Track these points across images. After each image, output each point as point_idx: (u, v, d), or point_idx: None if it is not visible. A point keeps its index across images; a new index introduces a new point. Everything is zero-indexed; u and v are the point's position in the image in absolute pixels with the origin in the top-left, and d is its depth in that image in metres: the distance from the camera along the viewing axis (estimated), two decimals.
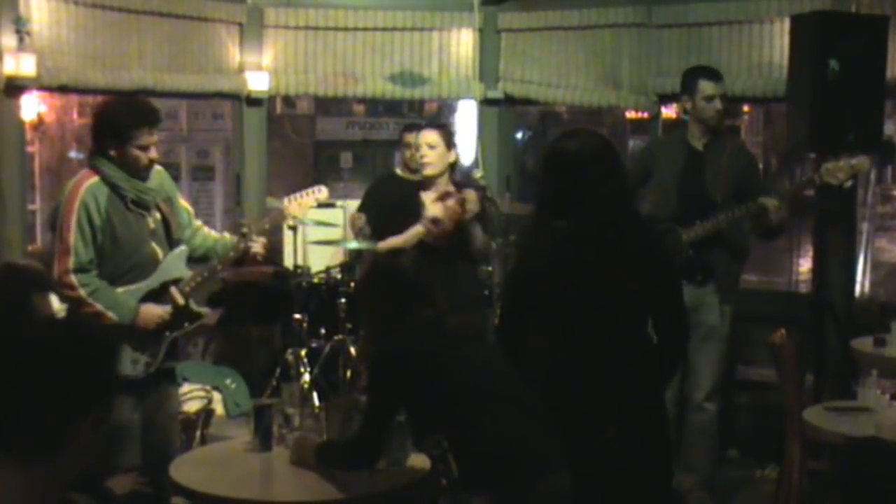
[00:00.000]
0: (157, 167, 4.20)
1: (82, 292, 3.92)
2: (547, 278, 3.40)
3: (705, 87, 5.24)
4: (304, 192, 4.50)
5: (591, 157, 3.38)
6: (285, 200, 4.47)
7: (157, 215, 4.16)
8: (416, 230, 5.26)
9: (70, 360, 1.78)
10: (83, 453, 1.81)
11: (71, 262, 3.92)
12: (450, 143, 5.30)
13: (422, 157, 5.22)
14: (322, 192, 4.51)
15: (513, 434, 3.17)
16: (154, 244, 4.13)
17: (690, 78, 5.36)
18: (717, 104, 5.23)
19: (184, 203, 4.38)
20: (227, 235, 4.45)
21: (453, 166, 5.38)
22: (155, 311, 4.06)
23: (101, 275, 4.00)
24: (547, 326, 3.45)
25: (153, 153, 4.06)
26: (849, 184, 4.94)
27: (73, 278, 3.92)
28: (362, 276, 3.91)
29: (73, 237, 3.92)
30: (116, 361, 1.90)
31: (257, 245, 4.30)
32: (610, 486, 3.30)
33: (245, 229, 4.38)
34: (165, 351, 4.15)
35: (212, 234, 4.40)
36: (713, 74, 5.33)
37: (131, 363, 4.05)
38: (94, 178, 4.01)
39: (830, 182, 4.90)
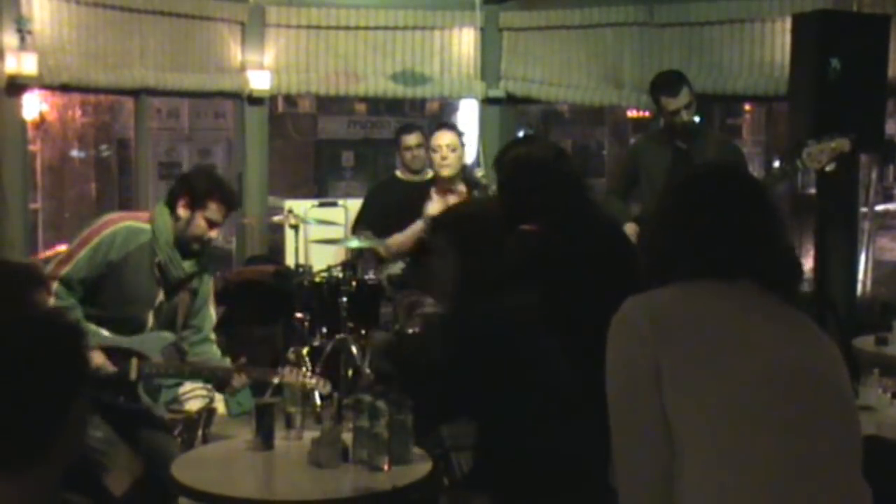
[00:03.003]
0: (197, 269, 4.07)
1: (53, 302, 3.84)
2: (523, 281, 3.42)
3: (667, 104, 5.33)
4: (304, 374, 4.11)
5: (556, 161, 3.51)
6: (285, 370, 4.05)
7: (174, 298, 4.04)
8: (418, 226, 5.28)
9: (39, 357, 1.70)
10: (70, 450, 1.75)
11: (64, 270, 3.87)
12: (463, 143, 5.34)
13: (443, 158, 5.25)
14: (326, 388, 4.17)
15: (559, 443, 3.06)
16: (150, 314, 4.02)
17: (653, 95, 5.45)
18: (684, 116, 5.32)
19: (212, 311, 4.24)
20: (220, 364, 4.23)
21: (464, 165, 5.43)
22: (97, 360, 3.88)
23: (89, 305, 3.90)
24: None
25: (215, 233, 3.97)
26: (831, 167, 4.92)
27: (56, 286, 3.84)
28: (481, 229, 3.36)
29: (83, 252, 3.87)
30: (87, 351, 1.80)
31: (238, 381, 4.17)
32: None
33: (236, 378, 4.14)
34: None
35: (210, 355, 4.21)
36: (671, 90, 5.35)
37: None
38: (144, 224, 3.94)
39: (813, 167, 4.90)
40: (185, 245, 3.95)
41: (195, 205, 3.91)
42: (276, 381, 4.12)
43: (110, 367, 3.91)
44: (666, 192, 2.18)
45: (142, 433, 4.05)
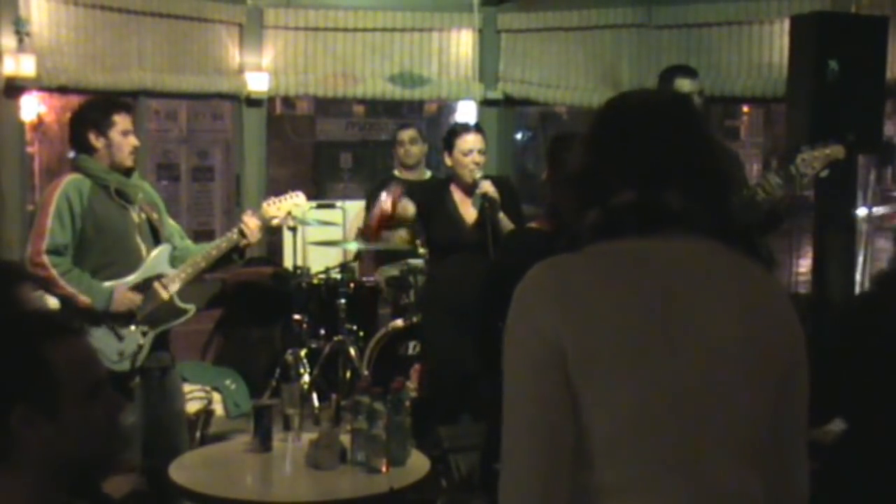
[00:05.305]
0: (141, 181, 4.24)
1: (54, 272, 3.92)
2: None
3: (681, 85, 5.26)
4: (282, 197, 4.53)
5: None
6: (264, 204, 4.50)
7: (143, 214, 4.18)
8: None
9: None
10: (44, 455, 1.69)
11: (45, 243, 3.94)
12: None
13: (475, 163, 5.10)
14: (300, 197, 4.57)
15: None
16: (138, 239, 4.14)
17: (667, 78, 5.39)
18: (695, 100, 5.26)
19: (171, 221, 4.41)
20: (219, 240, 4.42)
21: None
22: (127, 295, 4.06)
23: (84, 265, 4.01)
24: None
25: (134, 139, 4.12)
26: (825, 173, 4.91)
27: (46, 258, 3.93)
28: None
29: (49, 220, 3.95)
30: (37, 340, 1.73)
31: (251, 221, 4.31)
32: None
33: (246, 215, 4.42)
34: (151, 345, 4.14)
35: (199, 248, 4.40)
36: (688, 72, 5.34)
37: (117, 355, 4.03)
38: (76, 174, 4.05)
39: (807, 172, 4.88)
40: (120, 166, 4.11)
41: (104, 129, 4.07)
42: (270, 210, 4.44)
43: (137, 299, 4.07)
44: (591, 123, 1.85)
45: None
